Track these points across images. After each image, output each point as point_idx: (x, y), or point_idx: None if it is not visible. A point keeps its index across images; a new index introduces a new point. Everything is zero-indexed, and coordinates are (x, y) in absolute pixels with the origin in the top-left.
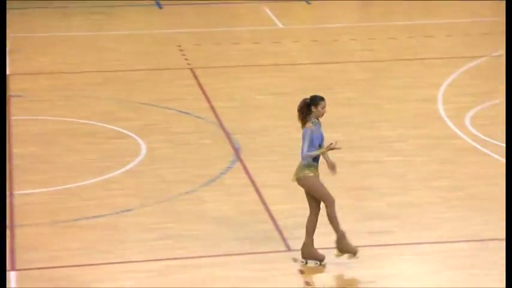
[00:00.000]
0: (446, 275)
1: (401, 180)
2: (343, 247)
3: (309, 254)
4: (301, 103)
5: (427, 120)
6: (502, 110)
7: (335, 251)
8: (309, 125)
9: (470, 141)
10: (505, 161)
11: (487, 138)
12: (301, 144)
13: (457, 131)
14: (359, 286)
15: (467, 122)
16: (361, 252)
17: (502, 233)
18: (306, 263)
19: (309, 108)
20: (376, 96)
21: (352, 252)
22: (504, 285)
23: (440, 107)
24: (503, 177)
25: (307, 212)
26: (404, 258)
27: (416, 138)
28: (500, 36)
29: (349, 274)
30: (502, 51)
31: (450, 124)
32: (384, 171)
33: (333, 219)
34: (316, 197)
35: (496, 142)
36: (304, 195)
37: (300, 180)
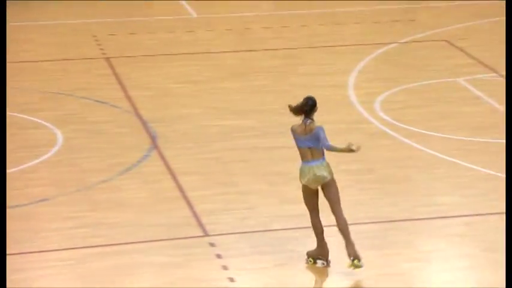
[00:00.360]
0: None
1: None
2: (355, 253)
3: (327, 253)
4: (308, 101)
5: (339, 105)
6: (410, 95)
7: (350, 263)
8: (316, 123)
9: (380, 125)
10: (502, 168)
11: (397, 123)
12: (320, 142)
13: (368, 116)
14: (275, 268)
15: (377, 107)
16: (276, 235)
17: (411, 214)
18: (315, 262)
19: (314, 108)
20: (288, 83)
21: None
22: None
23: (351, 93)
24: (412, 159)
25: (224, 197)
26: (316, 240)
27: (328, 123)
28: (408, 24)
29: (264, 257)
30: (410, 38)
31: (361, 109)
32: (295, 156)
33: (347, 227)
34: (331, 200)
35: (405, 126)
36: (218, 180)
37: (332, 181)
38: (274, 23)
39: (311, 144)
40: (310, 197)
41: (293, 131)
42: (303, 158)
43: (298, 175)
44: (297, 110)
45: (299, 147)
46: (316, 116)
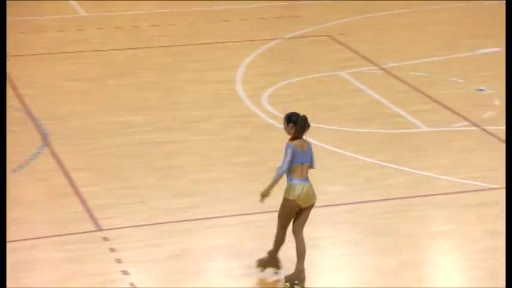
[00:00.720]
0: (249, 244)
1: (204, 158)
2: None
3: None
4: (305, 119)
5: (227, 100)
6: (296, 88)
7: (288, 285)
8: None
9: (268, 118)
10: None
11: (283, 115)
12: (313, 162)
13: (255, 109)
14: (168, 260)
15: (264, 101)
16: (169, 227)
17: None
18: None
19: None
20: (177, 79)
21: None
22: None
23: (239, 88)
24: None
25: (117, 192)
26: (210, 231)
27: (217, 117)
28: (292, 20)
29: (157, 250)
30: (294, 34)
31: (248, 103)
32: (187, 150)
33: (305, 251)
34: (303, 221)
35: None
36: (111, 175)
37: (314, 204)
38: (163, 21)
39: (304, 161)
40: (291, 213)
41: (293, 146)
42: (293, 174)
43: (191, 168)
44: (301, 131)
45: (294, 164)
46: (205, 110)
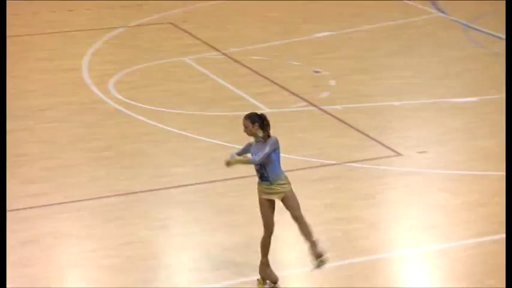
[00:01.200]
0: (101, 227)
1: (53, 145)
2: (268, 275)
3: (266, 274)
4: (265, 117)
5: (74, 88)
6: (142, 75)
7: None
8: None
9: (115, 104)
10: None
11: (131, 101)
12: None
13: (102, 96)
14: (23, 246)
15: (110, 87)
16: (20, 214)
17: (149, 185)
18: (265, 282)
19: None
20: (24, 68)
21: (273, 281)
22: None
23: (86, 75)
24: (147, 135)
25: None
26: (61, 216)
27: (64, 105)
28: (135, 8)
29: (9, 236)
30: (138, 22)
31: (95, 90)
32: (36, 138)
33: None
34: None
35: (139, 104)
36: None
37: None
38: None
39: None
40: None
41: (277, 141)
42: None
43: (39, 156)
44: (268, 128)
45: (278, 157)
46: (52, 97)
